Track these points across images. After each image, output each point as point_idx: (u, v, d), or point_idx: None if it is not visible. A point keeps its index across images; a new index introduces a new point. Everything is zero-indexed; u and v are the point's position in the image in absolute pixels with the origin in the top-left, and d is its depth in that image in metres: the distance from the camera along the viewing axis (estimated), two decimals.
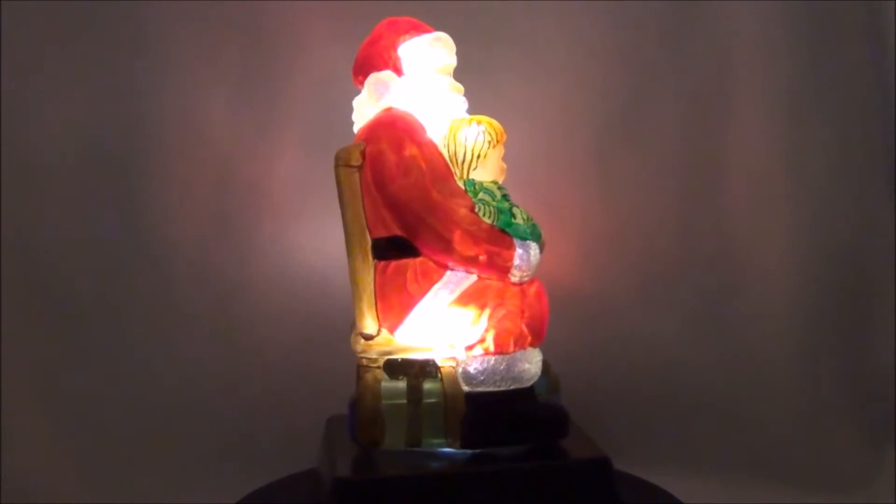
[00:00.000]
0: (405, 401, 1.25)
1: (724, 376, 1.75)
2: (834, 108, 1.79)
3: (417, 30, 1.33)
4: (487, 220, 1.24)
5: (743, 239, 1.79)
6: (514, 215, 1.26)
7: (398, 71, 1.31)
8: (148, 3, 1.67)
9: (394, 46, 1.32)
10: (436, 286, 1.25)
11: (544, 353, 1.33)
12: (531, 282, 1.28)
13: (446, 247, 1.23)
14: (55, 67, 1.66)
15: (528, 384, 1.26)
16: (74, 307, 1.67)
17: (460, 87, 1.34)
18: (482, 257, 1.23)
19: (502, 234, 1.24)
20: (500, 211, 1.25)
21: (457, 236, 1.23)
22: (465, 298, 1.24)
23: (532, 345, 1.27)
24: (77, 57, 1.66)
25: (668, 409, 1.74)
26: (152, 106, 1.69)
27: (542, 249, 1.29)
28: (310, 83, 1.75)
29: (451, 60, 1.34)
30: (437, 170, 1.25)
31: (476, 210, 1.25)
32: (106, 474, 1.58)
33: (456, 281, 1.25)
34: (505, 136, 1.31)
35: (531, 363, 1.26)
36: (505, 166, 1.32)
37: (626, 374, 1.76)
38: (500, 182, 1.32)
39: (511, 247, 1.24)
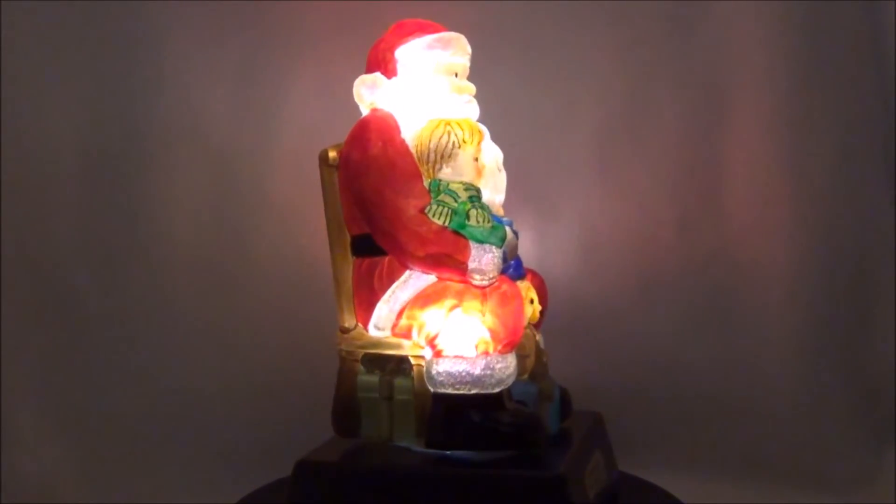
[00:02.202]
0: (377, 395, 1.26)
1: (725, 376, 1.75)
2: (834, 109, 1.79)
3: (423, 31, 1.32)
4: (438, 221, 1.23)
5: (743, 239, 1.79)
6: (468, 217, 1.23)
7: (389, 73, 1.32)
8: (148, 2, 1.67)
9: (392, 49, 1.32)
10: (394, 285, 1.25)
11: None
12: (497, 285, 1.22)
13: (396, 246, 1.24)
14: (55, 67, 1.66)
15: (493, 390, 1.21)
16: (74, 307, 1.67)
17: (467, 86, 1.33)
18: (431, 258, 1.22)
19: (455, 236, 1.22)
20: (455, 213, 1.23)
21: (404, 236, 1.22)
22: (424, 299, 1.23)
23: (500, 350, 1.22)
24: (77, 57, 1.66)
25: (667, 408, 1.74)
26: (152, 106, 1.70)
27: (510, 253, 1.26)
28: (311, 83, 1.75)
29: (455, 60, 1.32)
30: (400, 170, 1.25)
31: (427, 211, 1.23)
32: (106, 474, 1.58)
33: (413, 281, 1.24)
34: (479, 137, 1.28)
35: (494, 369, 1.21)
36: (483, 167, 1.29)
37: (625, 374, 1.76)
38: (491, 182, 1.31)
39: (464, 249, 1.21)
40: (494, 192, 1.33)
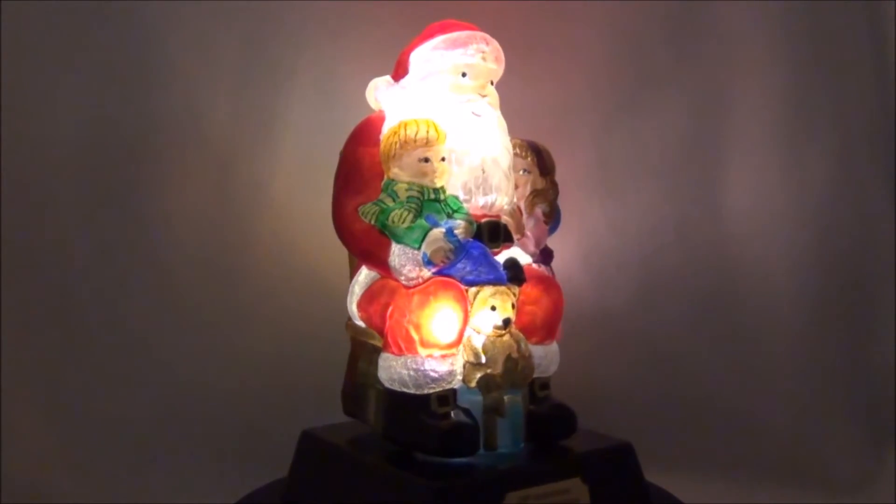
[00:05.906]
0: (368, 382, 1.29)
1: (725, 377, 1.76)
2: (834, 110, 1.79)
3: (443, 31, 1.33)
4: (366, 220, 1.24)
5: (744, 240, 1.79)
6: (388, 217, 1.22)
7: (401, 75, 1.33)
8: (149, 2, 1.68)
9: (409, 51, 1.33)
10: (353, 279, 1.30)
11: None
12: (424, 287, 1.20)
13: (342, 242, 1.28)
14: (56, 67, 1.66)
15: (420, 392, 1.19)
16: (75, 307, 1.67)
17: (472, 85, 1.31)
18: (362, 254, 1.26)
19: (379, 236, 1.23)
20: (382, 212, 1.23)
21: (341, 232, 1.27)
22: (369, 294, 1.27)
23: (438, 354, 1.19)
24: (77, 57, 1.66)
25: (668, 409, 1.74)
26: (152, 106, 1.70)
27: (436, 255, 1.21)
28: (310, 82, 1.75)
29: (462, 60, 1.31)
30: (363, 170, 1.27)
31: (358, 209, 1.24)
32: (106, 474, 1.58)
33: (363, 278, 1.29)
34: (435, 137, 1.25)
35: (417, 371, 1.18)
36: (435, 169, 1.25)
37: (625, 374, 1.77)
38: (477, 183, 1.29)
39: (386, 248, 1.23)
40: (478, 194, 1.29)
